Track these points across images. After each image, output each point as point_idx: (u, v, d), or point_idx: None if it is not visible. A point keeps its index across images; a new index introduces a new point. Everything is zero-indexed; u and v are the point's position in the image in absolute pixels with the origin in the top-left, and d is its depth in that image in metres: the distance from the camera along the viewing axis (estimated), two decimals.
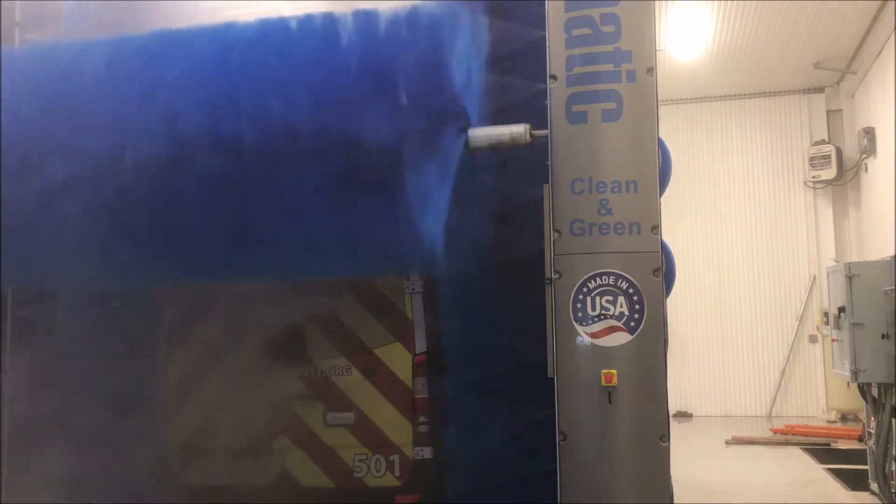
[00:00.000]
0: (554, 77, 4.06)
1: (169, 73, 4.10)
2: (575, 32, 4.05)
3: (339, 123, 3.77)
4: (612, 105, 3.96)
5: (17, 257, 4.35)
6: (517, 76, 4.44)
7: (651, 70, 3.98)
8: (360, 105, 3.74)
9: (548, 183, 4.04)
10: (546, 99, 4.08)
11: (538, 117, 4.13)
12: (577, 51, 4.04)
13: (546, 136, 4.02)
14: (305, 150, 3.80)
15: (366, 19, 3.89)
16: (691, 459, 8.80)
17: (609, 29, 4.00)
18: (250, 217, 4.04)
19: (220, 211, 4.03)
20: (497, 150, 4.22)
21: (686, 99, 13.79)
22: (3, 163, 4.13)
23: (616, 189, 3.94)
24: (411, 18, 3.86)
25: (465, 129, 4.07)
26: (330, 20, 3.96)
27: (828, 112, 13.50)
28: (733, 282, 13.55)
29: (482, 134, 4.08)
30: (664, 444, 3.86)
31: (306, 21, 4.02)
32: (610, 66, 3.99)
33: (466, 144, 4.03)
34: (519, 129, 4.02)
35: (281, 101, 3.85)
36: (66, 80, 4.26)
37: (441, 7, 3.94)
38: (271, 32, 4.08)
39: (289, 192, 3.90)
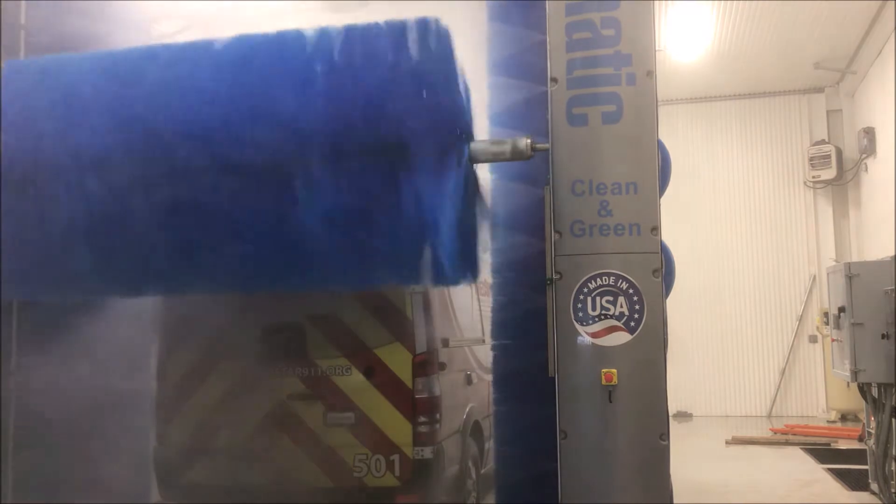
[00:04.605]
0: (555, 80, 4.09)
1: (175, 83, 4.13)
2: (575, 36, 4.07)
3: (343, 137, 3.80)
4: (613, 108, 3.99)
5: (16, 271, 4.36)
6: (518, 79, 4.46)
7: (651, 73, 4.01)
8: (365, 119, 3.78)
9: (549, 185, 4.06)
10: (547, 102, 4.11)
11: (539, 120, 4.17)
12: (577, 54, 4.06)
13: (547, 149, 4.06)
14: (309, 163, 3.83)
15: (368, 31, 3.93)
16: (691, 459, 8.81)
17: (609, 32, 4.03)
18: (254, 229, 4.06)
19: (222, 223, 4.05)
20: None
21: (686, 99, 13.80)
22: (3, 177, 4.16)
23: (616, 191, 3.96)
24: (413, 30, 3.89)
25: (467, 143, 4.11)
26: (333, 32, 3.99)
27: (828, 112, 13.52)
28: (733, 282, 13.55)
29: (484, 148, 4.13)
30: (664, 443, 3.88)
31: (310, 34, 4.05)
32: (610, 69, 4.01)
33: (469, 158, 4.07)
34: (520, 143, 4.06)
35: (283, 114, 3.88)
36: (65, 93, 4.29)
37: (442, 18, 3.97)
38: (279, 45, 4.11)
39: (292, 205, 3.93)
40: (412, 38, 3.87)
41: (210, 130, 3.95)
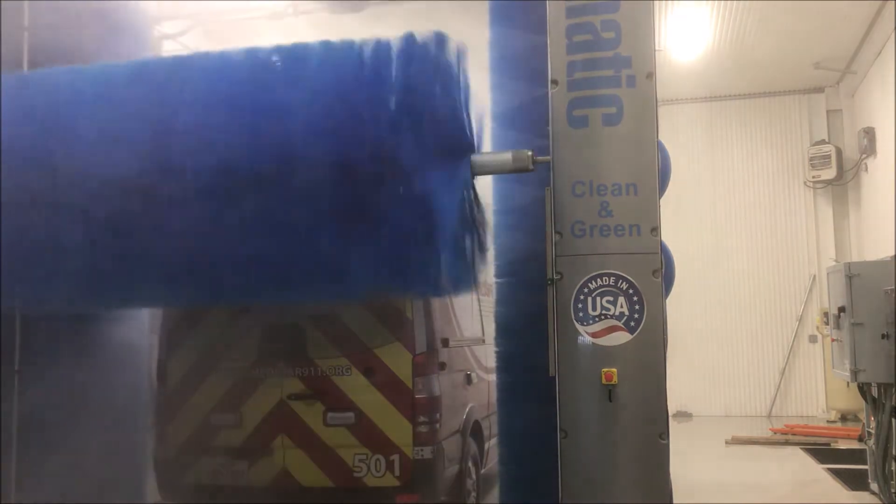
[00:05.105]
0: (555, 82, 4.11)
1: (173, 99, 4.15)
2: (576, 38, 4.10)
3: (347, 151, 3.83)
4: (613, 109, 4.02)
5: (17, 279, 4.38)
6: (519, 81, 4.48)
7: (650, 75, 4.04)
8: (369, 134, 3.81)
9: (549, 186, 4.08)
10: (548, 103, 4.13)
11: (539, 122, 4.19)
12: (578, 56, 4.09)
13: (548, 161, 4.09)
14: (315, 177, 3.86)
15: (372, 48, 3.96)
16: (691, 459, 8.81)
17: (609, 35, 4.06)
18: (258, 242, 4.08)
19: (226, 236, 4.08)
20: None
21: (686, 99, 13.79)
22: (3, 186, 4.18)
23: (616, 192, 3.98)
24: (414, 48, 3.93)
25: (469, 156, 4.15)
26: (336, 49, 4.03)
27: (828, 112, 13.51)
28: (733, 282, 13.55)
29: (486, 160, 4.19)
30: (664, 442, 3.90)
31: (313, 50, 4.08)
32: (610, 72, 4.04)
33: (471, 171, 4.11)
34: (521, 156, 4.10)
35: (289, 129, 3.91)
36: (63, 105, 4.31)
37: (444, 20, 4.01)
38: (280, 60, 4.14)
39: (298, 218, 3.95)
40: (413, 55, 3.91)
41: (215, 143, 3.97)
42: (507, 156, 4.14)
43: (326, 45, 4.08)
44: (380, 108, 3.84)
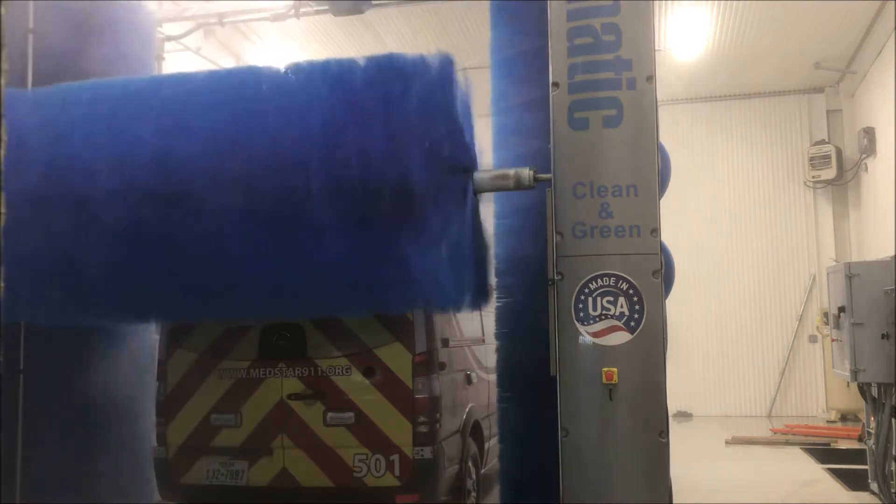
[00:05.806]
0: (556, 84, 4.13)
1: (174, 113, 4.17)
2: (577, 41, 4.13)
3: (355, 168, 3.85)
4: (613, 112, 4.04)
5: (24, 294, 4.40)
6: (520, 83, 4.50)
7: (650, 78, 4.07)
8: (376, 151, 3.83)
9: (550, 187, 4.10)
10: (548, 106, 4.15)
11: (540, 124, 4.21)
12: (578, 59, 4.12)
13: (549, 178, 4.11)
14: (324, 193, 3.88)
15: (378, 65, 3.98)
16: (691, 459, 8.81)
17: (610, 38, 4.08)
18: (264, 256, 4.10)
19: (232, 249, 4.10)
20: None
21: (686, 99, 13.79)
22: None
23: (617, 193, 4.00)
24: (418, 68, 3.96)
25: (471, 173, 4.16)
26: (343, 65, 4.06)
27: (828, 112, 13.51)
28: (733, 282, 13.55)
29: (488, 178, 4.22)
30: (663, 440, 3.92)
31: (321, 67, 4.12)
32: (611, 74, 4.07)
33: (473, 188, 4.13)
34: (523, 174, 4.15)
35: (298, 144, 3.94)
36: (78, 122, 4.34)
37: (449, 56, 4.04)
38: (285, 77, 4.17)
39: (305, 233, 3.97)
40: (416, 77, 3.94)
41: (221, 164, 4.00)
42: (509, 173, 4.19)
43: (328, 63, 4.12)
44: (385, 127, 3.87)
